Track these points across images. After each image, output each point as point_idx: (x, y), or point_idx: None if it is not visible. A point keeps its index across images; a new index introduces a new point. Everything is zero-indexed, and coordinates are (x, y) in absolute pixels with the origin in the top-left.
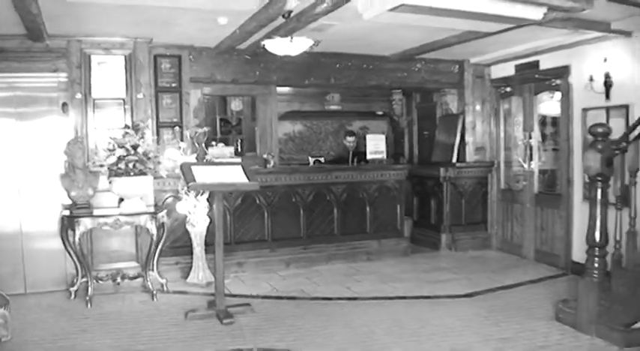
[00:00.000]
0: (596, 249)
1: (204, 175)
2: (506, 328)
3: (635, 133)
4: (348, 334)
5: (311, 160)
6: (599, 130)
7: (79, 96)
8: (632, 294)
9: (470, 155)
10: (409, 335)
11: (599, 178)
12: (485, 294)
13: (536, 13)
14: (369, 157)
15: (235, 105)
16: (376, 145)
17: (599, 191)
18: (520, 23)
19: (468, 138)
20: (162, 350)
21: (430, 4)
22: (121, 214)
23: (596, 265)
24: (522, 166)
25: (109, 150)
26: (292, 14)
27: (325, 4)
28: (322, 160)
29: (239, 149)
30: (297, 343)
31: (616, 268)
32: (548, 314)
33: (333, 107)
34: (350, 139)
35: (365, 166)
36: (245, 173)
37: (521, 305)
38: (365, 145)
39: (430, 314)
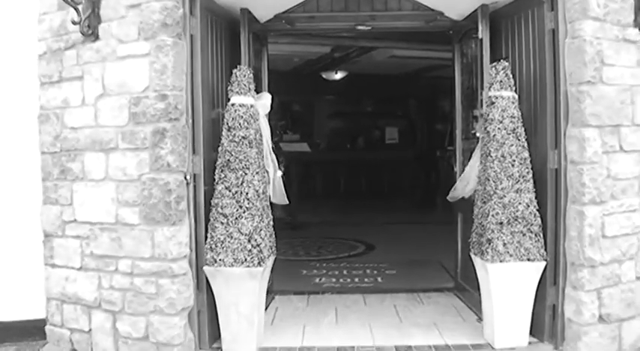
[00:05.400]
0: None
1: (287, 146)
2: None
3: None
4: (368, 236)
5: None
6: None
7: None
8: None
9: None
10: (401, 233)
11: None
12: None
13: None
14: (386, 142)
15: (297, 107)
16: (391, 134)
17: None
18: None
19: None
20: None
21: (404, 54)
22: None
23: None
24: None
25: None
26: (337, 57)
27: (355, 53)
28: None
29: (300, 136)
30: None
31: None
32: None
33: (367, 109)
34: (376, 132)
35: (383, 147)
36: (309, 146)
37: None
38: (385, 134)
39: (416, 227)
